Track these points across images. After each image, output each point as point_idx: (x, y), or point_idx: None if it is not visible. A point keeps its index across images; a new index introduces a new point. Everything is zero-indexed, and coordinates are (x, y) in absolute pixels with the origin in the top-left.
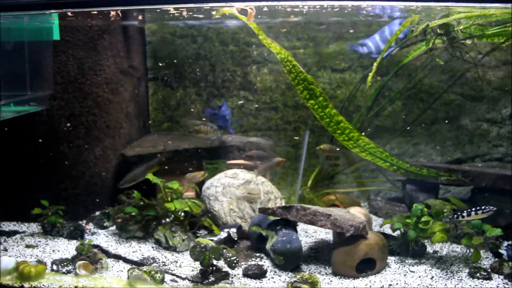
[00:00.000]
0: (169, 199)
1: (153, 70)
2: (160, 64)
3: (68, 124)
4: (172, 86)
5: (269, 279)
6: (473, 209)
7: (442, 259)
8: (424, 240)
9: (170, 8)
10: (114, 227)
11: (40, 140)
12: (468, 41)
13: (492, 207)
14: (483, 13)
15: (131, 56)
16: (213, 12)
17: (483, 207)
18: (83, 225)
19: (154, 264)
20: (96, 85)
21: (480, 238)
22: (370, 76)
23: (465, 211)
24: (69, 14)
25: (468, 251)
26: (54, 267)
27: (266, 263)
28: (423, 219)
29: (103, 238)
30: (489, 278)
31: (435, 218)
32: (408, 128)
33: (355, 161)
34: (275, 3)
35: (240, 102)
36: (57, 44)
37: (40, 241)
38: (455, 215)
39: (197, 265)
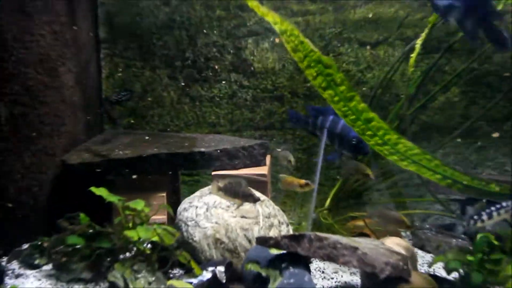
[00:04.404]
0: (130, 224)
1: (108, 43)
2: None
3: None
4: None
5: None
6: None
7: None
8: (495, 286)
9: None
10: (50, 266)
11: None
12: None
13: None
14: None
15: (77, 23)
16: None
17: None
18: (3, 263)
19: None
20: (26, 63)
21: None
22: (413, 57)
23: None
24: None
25: None
26: None
27: None
28: (492, 256)
29: (33, 283)
30: None
31: (510, 255)
32: (469, 126)
33: (392, 172)
34: None
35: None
36: None
37: None
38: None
39: None
